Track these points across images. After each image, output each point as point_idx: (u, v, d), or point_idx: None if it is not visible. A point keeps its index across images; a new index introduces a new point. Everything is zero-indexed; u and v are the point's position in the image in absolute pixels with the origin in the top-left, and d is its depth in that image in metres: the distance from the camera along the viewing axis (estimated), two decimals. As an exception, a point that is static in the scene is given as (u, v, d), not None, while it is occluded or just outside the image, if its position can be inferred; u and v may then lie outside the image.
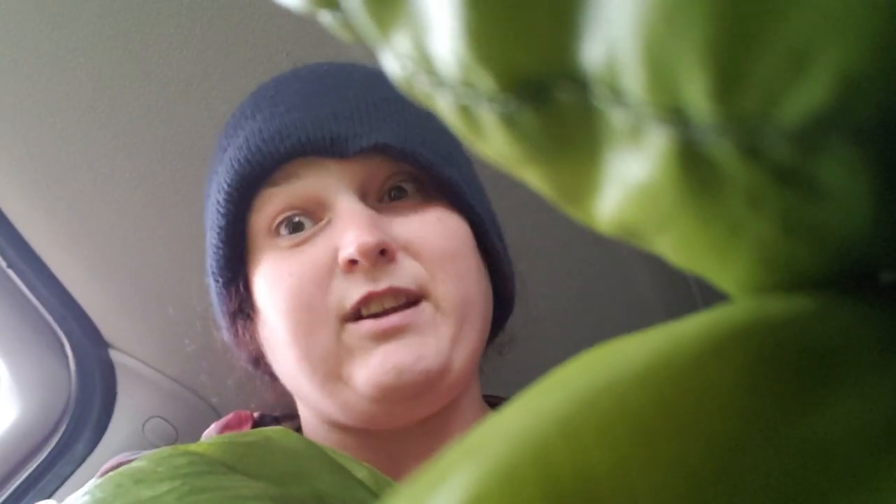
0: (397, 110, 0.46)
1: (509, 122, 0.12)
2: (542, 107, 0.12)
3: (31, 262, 0.69)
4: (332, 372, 0.43)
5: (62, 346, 0.74)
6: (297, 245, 0.44)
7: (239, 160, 0.45)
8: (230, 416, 0.54)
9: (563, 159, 0.12)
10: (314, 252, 0.44)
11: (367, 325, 0.42)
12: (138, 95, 0.65)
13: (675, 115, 0.10)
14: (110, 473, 0.34)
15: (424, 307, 0.43)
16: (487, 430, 0.12)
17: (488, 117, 0.13)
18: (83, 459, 0.74)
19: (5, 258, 0.68)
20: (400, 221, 0.45)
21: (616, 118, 0.11)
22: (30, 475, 0.72)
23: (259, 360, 0.50)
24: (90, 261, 0.71)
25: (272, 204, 0.45)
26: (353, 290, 0.42)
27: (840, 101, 0.09)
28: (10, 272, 0.69)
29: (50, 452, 0.73)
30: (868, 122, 0.09)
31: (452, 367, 0.43)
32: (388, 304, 0.42)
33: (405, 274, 0.43)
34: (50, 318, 0.73)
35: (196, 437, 0.58)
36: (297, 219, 0.45)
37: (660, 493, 0.09)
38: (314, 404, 0.46)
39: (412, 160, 0.45)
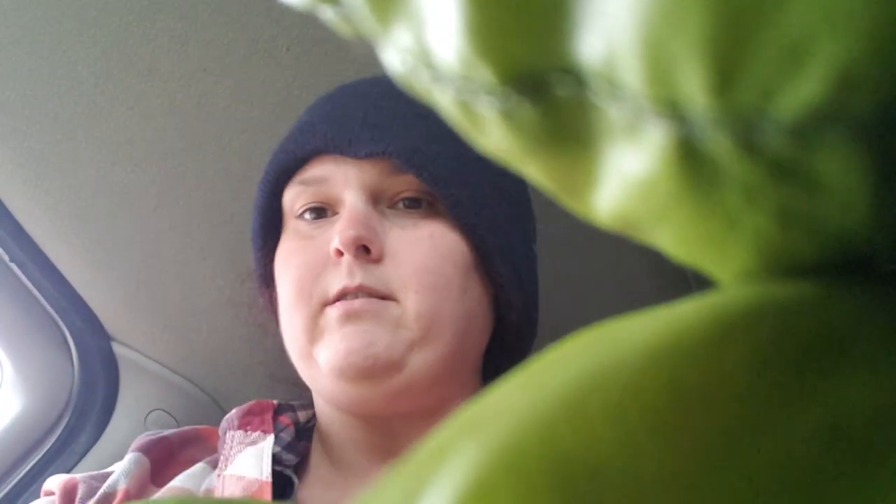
0: (425, 125, 0.48)
1: (508, 116, 0.12)
2: (540, 101, 0.12)
3: (34, 256, 0.70)
4: (305, 350, 0.48)
5: (65, 339, 0.74)
6: (311, 231, 0.49)
7: (276, 152, 0.52)
8: (252, 403, 0.56)
9: (561, 153, 0.12)
10: (318, 241, 0.48)
11: (335, 307, 0.46)
12: (139, 90, 0.64)
13: (673, 110, 0.10)
14: None
15: (390, 306, 0.46)
16: (488, 406, 0.11)
17: (488, 111, 0.13)
18: (86, 452, 0.75)
19: (7, 252, 0.68)
20: (396, 231, 0.48)
21: (614, 112, 0.11)
22: (33, 467, 0.73)
23: (278, 322, 0.54)
24: (92, 254, 0.71)
25: (297, 192, 0.50)
26: (335, 281, 0.46)
27: (837, 95, 0.09)
28: (13, 266, 0.69)
29: (53, 445, 0.73)
30: (865, 116, 0.09)
31: (405, 368, 0.45)
32: (361, 297, 0.46)
33: (381, 276, 0.46)
34: (52, 312, 0.73)
35: (198, 430, 0.58)
36: (318, 207, 0.50)
37: (668, 474, 0.09)
38: (302, 377, 0.51)
39: (416, 174, 0.47)
